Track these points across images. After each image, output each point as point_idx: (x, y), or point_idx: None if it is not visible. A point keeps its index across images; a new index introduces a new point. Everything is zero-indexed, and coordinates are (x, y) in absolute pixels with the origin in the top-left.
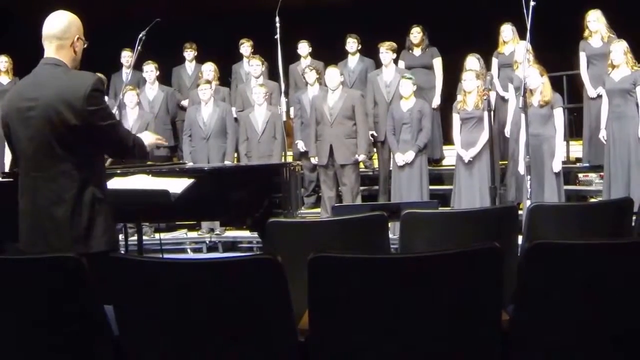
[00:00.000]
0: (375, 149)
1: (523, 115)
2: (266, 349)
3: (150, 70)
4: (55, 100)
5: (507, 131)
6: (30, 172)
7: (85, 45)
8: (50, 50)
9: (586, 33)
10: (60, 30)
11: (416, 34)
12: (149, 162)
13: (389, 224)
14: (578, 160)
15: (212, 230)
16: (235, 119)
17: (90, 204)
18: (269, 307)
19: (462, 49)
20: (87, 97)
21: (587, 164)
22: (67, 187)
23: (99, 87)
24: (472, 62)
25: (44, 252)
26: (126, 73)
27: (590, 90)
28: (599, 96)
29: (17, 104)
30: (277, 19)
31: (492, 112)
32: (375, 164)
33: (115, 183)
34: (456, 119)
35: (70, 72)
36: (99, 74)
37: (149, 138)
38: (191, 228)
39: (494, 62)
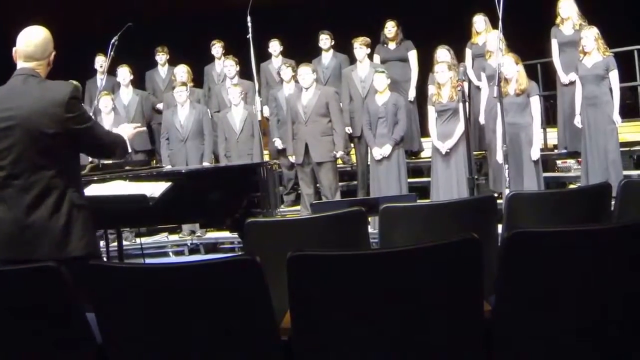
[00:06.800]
0: (352, 145)
1: (499, 105)
2: (249, 350)
3: (124, 73)
4: (34, 110)
5: (482, 119)
6: (8, 180)
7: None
8: (26, 64)
9: (558, 20)
10: (39, 51)
11: (390, 28)
12: (127, 167)
13: (369, 219)
14: (555, 147)
15: (193, 232)
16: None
17: (67, 210)
18: (250, 308)
19: (436, 41)
20: (66, 105)
21: (564, 150)
22: (46, 194)
23: (76, 95)
24: (443, 53)
25: (27, 259)
26: (100, 79)
27: (563, 77)
28: (572, 82)
29: None
30: (248, 18)
31: (467, 103)
32: (353, 159)
33: (93, 190)
34: (432, 112)
35: (45, 82)
36: (74, 82)
37: (127, 130)
38: (172, 231)
39: (468, 52)
